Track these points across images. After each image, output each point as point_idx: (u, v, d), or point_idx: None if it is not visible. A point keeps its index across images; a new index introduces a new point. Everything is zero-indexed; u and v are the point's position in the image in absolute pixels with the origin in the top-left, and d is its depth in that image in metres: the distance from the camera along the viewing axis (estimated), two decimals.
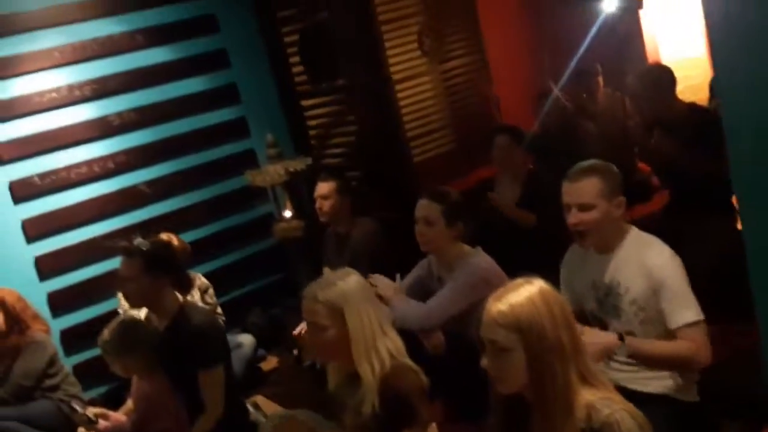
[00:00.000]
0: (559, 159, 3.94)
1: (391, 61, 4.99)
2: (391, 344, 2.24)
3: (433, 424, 2.14)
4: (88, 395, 4.34)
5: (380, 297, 3.02)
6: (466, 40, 5.62)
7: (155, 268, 3.06)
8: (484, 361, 1.75)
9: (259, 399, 3.75)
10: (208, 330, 3.13)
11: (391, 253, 3.94)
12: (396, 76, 5.03)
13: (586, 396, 1.69)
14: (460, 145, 5.53)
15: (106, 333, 3.23)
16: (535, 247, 3.64)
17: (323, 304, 2.22)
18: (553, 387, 1.67)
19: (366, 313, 2.20)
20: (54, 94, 4.58)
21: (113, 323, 3.28)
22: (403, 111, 5.12)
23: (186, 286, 3.48)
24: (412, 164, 5.12)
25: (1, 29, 4.41)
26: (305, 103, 5.42)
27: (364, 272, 3.75)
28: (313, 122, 5.44)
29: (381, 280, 3.20)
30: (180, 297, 3.23)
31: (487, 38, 5.66)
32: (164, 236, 4.15)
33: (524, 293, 1.72)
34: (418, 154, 5.27)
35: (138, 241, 3.18)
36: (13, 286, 4.15)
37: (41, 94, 4.53)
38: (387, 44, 4.95)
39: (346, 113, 5.19)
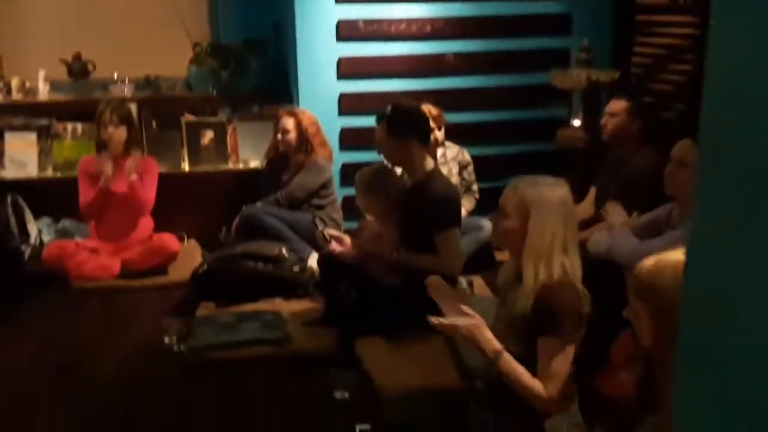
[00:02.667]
0: None
1: None
2: (569, 264, 2.24)
3: (570, 347, 2.14)
4: (348, 225, 4.89)
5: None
6: None
7: (398, 133, 3.33)
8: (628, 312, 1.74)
9: (475, 279, 3.94)
10: (447, 196, 3.36)
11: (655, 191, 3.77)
12: None
13: None
14: None
15: (365, 170, 3.63)
16: None
17: (518, 196, 2.30)
18: None
19: (551, 226, 2.23)
20: None
21: (374, 165, 3.67)
22: None
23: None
24: None
25: None
26: (641, 18, 5.08)
27: (631, 201, 3.69)
28: (643, 41, 5.07)
29: (615, 208, 3.12)
30: (431, 164, 3.47)
31: None
32: (425, 107, 4.40)
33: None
34: None
35: (388, 107, 3.46)
36: (315, 113, 4.75)
37: None
38: None
39: (687, 50, 4.65)
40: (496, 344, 2.30)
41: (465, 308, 2.36)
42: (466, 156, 4.66)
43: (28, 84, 5.35)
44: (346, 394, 3.06)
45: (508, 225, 2.31)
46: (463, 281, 3.75)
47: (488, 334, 2.31)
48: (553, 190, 2.31)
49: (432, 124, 4.11)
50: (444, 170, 4.32)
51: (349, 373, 3.15)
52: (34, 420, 3.14)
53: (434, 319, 2.38)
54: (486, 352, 2.29)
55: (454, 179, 4.46)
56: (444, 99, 4.85)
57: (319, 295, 3.93)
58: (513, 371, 2.24)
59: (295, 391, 3.28)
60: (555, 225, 2.24)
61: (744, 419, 0.90)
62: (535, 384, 2.21)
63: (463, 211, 4.43)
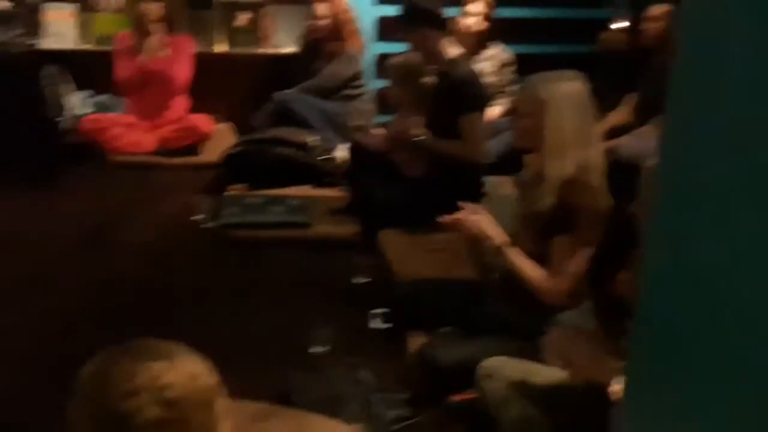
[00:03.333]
0: None
1: None
2: (589, 157, 2.25)
3: (585, 248, 2.17)
4: (381, 119, 4.87)
5: None
6: None
7: (411, 24, 3.32)
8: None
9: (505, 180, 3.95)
10: (470, 80, 3.37)
11: None
12: None
13: None
14: None
15: (396, 59, 3.62)
16: None
17: (532, 93, 2.29)
18: None
19: (569, 118, 2.22)
20: None
21: (403, 56, 3.64)
22: None
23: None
24: None
25: None
26: None
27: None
28: None
29: None
30: (454, 51, 3.43)
31: None
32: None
33: None
34: None
35: None
36: (351, 1, 4.66)
37: None
38: None
39: None
40: (502, 237, 2.35)
41: (470, 205, 2.42)
42: (509, 54, 4.56)
43: None
44: (367, 279, 3.14)
45: (525, 123, 2.31)
46: (489, 180, 3.76)
47: (494, 228, 2.36)
48: (568, 84, 2.29)
49: (477, 8, 4.08)
50: (483, 66, 4.27)
51: (369, 260, 3.23)
52: (58, 278, 3.28)
53: (444, 217, 2.44)
54: (491, 243, 2.35)
55: (492, 78, 4.38)
56: None
57: (347, 184, 3.99)
58: (517, 261, 2.30)
59: (315, 273, 3.39)
60: (572, 116, 2.23)
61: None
62: (537, 274, 2.26)
63: (498, 111, 4.40)
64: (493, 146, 3.80)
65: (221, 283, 3.33)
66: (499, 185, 3.91)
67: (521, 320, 2.34)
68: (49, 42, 4.91)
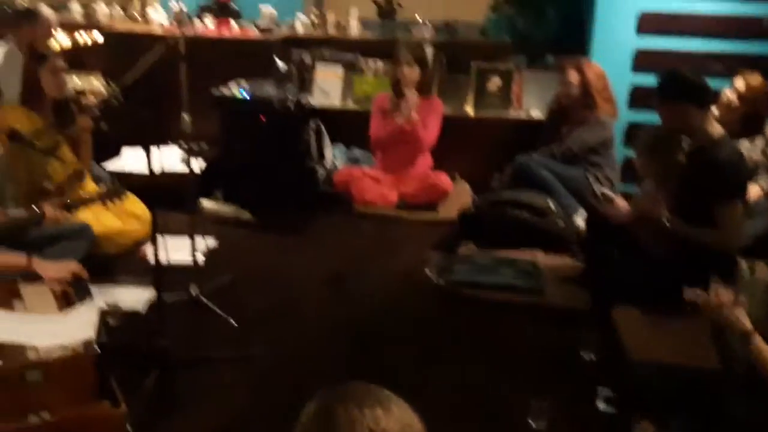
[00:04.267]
0: None
1: None
2: None
3: None
4: (625, 189, 4.69)
5: None
6: None
7: (671, 98, 3.13)
8: None
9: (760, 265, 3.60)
10: (734, 163, 3.13)
11: None
12: None
13: None
14: None
15: (647, 131, 3.49)
16: None
17: None
18: None
19: None
20: None
21: (658, 127, 3.49)
22: None
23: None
24: None
25: None
26: None
27: None
28: None
29: None
30: (718, 130, 3.21)
31: None
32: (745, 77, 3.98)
33: None
34: None
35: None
36: (605, 68, 4.58)
37: None
38: None
39: None
40: (747, 324, 2.14)
41: (720, 287, 2.23)
42: None
43: (342, 21, 5.81)
44: (593, 356, 3.01)
45: None
46: (743, 264, 3.44)
47: (743, 315, 2.16)
48: None
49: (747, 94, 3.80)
50: (749, 145, 3.95)
51: (598, 336, 3.10)
52: (300, 314, 3.52)
53: (692, 292, 2.27)
54: (736, 331, 2.15)
55: (758, 157, 4.03)
56: (760, 65, 4.39)
57: (581, 253, 3.87)
58: (763, 353, 2.08)
59: (540, 342, 3.30)
60: None
61: None
62: None
63: (757, 191, 4.04)
64: (749, 228, 3.48)
65: (445, 339, 3.35)
66: (754, 270, 3.57)
67: (764, 418, 2.11)
68: (316, 99, 5.39)
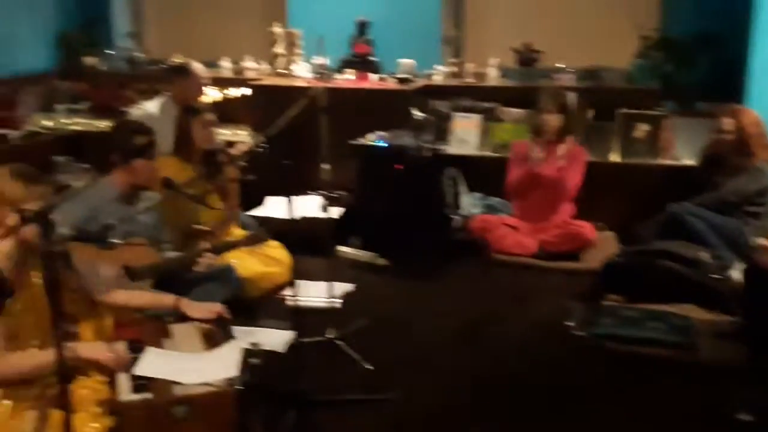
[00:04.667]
0: None
1: None
2: None
3: None
4: None
5: None
6: None
7: None
8: None
9: None
10: None
11: None
12: None
13: None
14: None
15: None
16: None
17: None
18: None
19: None
20: None
21: None
22: None
23: None
24: None
25: None
26: None
27: None
28: None
29: None
30: None
31: None
32: None
33: None
34: None
35: None
36: (763, 114, 4.31)
37: None
38: None
39: None
40: None
41: None
42: None
43: (480, 69, 5.83)
44: (752, 417, 2.75)
45: None
46: None
47: None
48: None
49: None
50: None
51: (757, 396, 2.84)
52: (433, 363, 3.46)
53: None
54: None
55: None
56: None
57: (739, 308, 3.59)
58: None
59: (692, 401, 3.06)
60: None
61: None
62: None
63: None
64: None
65: (588, 394, 3.19)
66: None
67: None
68: (453, 147, 5.40)
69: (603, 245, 4.61)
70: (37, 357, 2.35)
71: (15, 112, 5.46)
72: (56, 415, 2.21)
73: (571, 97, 4.95)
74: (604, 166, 4.99)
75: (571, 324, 3.70)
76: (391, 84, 5.64)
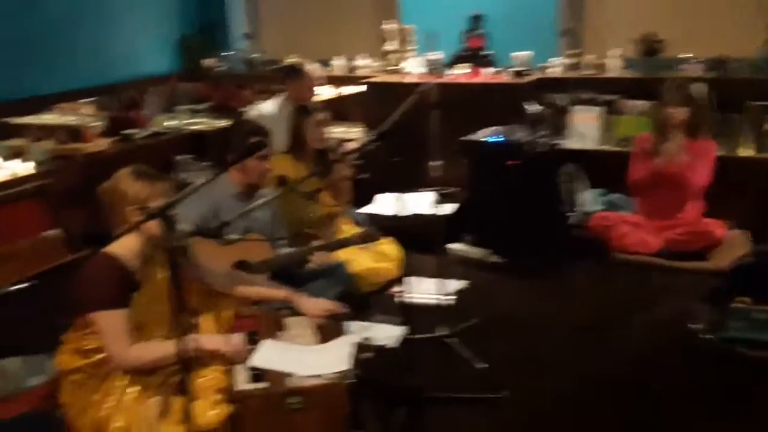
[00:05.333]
0: None
1: None
2: None
3: None
4: None
5: None
6: None
7: None
8: None
9: None
10: None
11: None
12: None
13: None
14: None
15: None
16: None
17: None
18: None
19: None
20: None
21: None
22: None
23: None
24: None
25: None
26: None
27: None
28: None
29: None
30: None
31: None
32: None
33: None
34: None
35: None
36: None
37: None
38: None
39: None
40: None
41: None
42: None
43: (599, 61, 5.61)
44: None
45: None
46: None
47: None
48: None
49: None
50: None
51: None
52: (547, 363, 3.36)
53: None
54: None
55: None
56: None
57: None
58: None
59: None
60: None
61: None
62: None
63: None
64: None
65: (713, 399, 3.00)
66: None
67: None
68: (572, 142, 5.22)
69: (733, 244, 4.33)
70: (161, 347, 2.45)
71: (140, 113, 5.73)
72: (178, 402, 2.30)
73: (699, 89, 4.68)
74: (735, 160, 4.71)
75: (698, 327, 3.50)
76: (505, 78, 5.52)
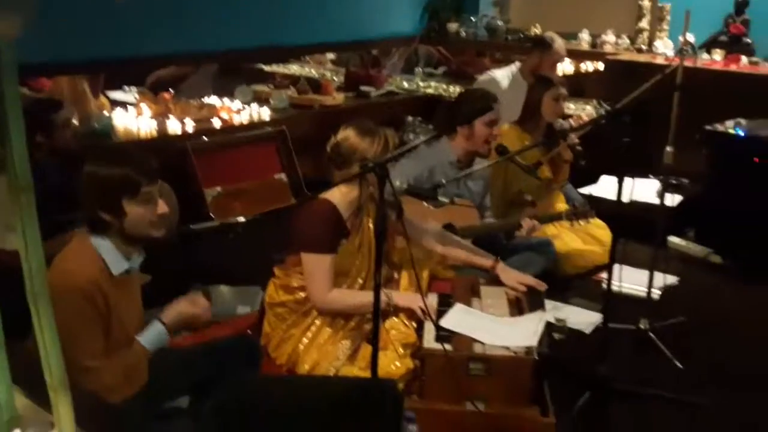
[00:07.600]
0: None
1: None
2: None
3: None
4: None
5: None
6: None
7: None
8: None
9: None
10: None
11: None
12: None
13: None
14: None
15: None
16: None
17: None
18: None
19: None
20: None
21: None
22: None
23: None
24: None
25: None
26: None
27: None
28: None
29: None
30: None
31: None
32: None
33: None
34: None
35: None
36: None
37: None
38: None
39: None
40: None
41: None
42: None
43: None
44: None
45: None
46: None
47: None
48: None
49: None
50: None
51: None
52: (760, 370, 3.13)
53: None
54: None
55: None
56: None
57: None
58: None
59: None
60: None
61: None
62: None
63: None
64: None
65: None
66: None
67: None
68: None
69: None
70: (358, 296, 2.62)
71: (380, 72, 5.97)
72: (366, 349, 2.46)
73: None
74: None
75: None
76: (762, 69, 5.03)
